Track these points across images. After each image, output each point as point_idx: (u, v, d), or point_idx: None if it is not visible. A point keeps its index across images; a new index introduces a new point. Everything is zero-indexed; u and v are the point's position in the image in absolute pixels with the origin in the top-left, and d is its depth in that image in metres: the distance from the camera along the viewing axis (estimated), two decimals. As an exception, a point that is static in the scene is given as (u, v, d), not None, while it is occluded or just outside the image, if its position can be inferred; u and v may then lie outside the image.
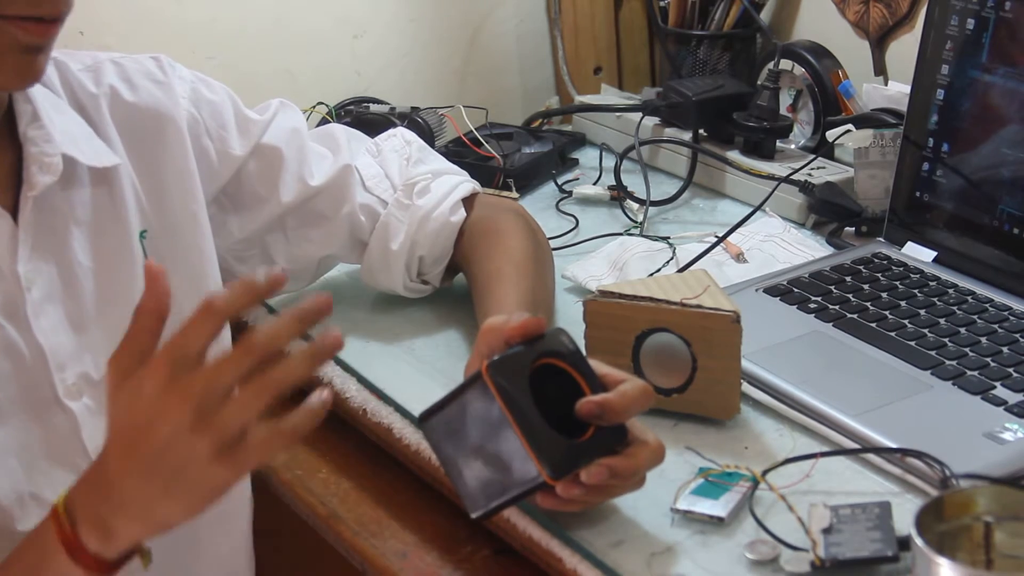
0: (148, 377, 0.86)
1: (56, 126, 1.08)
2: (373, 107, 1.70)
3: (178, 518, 0.88)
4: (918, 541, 0.82)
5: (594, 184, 1.66)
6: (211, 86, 1.25)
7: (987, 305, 1.26)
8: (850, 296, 1.29)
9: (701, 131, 1.66)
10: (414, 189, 1.33)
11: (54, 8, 0.99)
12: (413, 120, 1.64)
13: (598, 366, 1.01)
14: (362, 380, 1.25)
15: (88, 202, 1.10)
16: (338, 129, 1.38)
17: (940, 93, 1.36)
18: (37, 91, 1.09)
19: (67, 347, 1.06)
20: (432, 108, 1.69)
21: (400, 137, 1.40)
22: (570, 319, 1.26)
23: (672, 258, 1.43)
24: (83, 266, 1.09)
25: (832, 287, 1.31)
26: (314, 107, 1.67)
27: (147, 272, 0.90)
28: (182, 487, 0.86)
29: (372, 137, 1.40)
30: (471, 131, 1.66)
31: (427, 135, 1.62)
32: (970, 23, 1.32)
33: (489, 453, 0.94)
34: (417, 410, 1.00)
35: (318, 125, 1.61)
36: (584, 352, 1.10)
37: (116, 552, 0.90)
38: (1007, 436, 1.06)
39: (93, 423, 1.07)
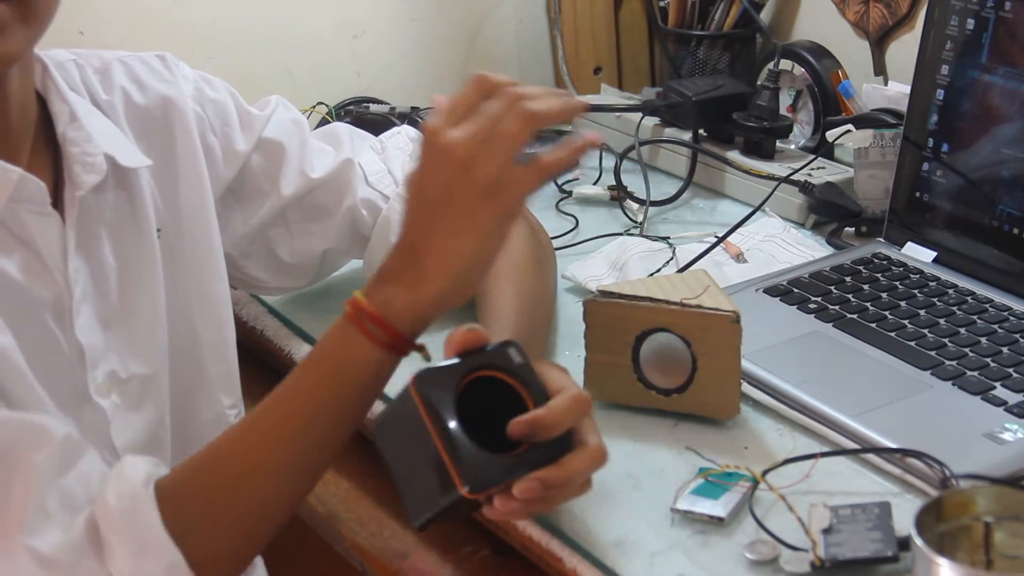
0: (426, 135, 0.98)
1: (93, 126, 1.09)
2: (373, 107, 1.70)
3: (470, 265, 0.97)
4: (918, 541, 0.82)
5: (594, 184, 1.66)
6: (213, 84, 1.26)
7: (987, 305, 1.26)
8: (850, 296, 1.29)
9: (701, 131, 1.66)
10: None
11: None
12: (413, 120, 1.64)
13: (547, 372, 0.98)
14: (362, 380, 1.25)
15: (112, 203, 1.12)
16: (341, 128, 1.39)
17: (940, 93, 1.36)
18: (69, 92, 1.10)
19: (98, 345, 1.08)
20: (432, 108, 1.69)
21: (404, 134, 1.41)
22: (570, 319, 1.26)
23: (672, 258, 1.43)
24: (110, 266, 1.10)
25: (832, 287, 1.31)
26: (314, 107, 1.67)
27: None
28: (466, 231, 0.96)
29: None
30: (471, 131, 1.66)
31: (427, 135, 1.62)
32: (970, 23, 1.32)
33: (421, 463, 0.92)
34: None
35: (318, 125, 1.62)
36: (585, 351, 1.10)
37: (411, 320, 0.97)
38: (1007, 436, 1.06)
39: (121, 419, 1.09)
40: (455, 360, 0.95)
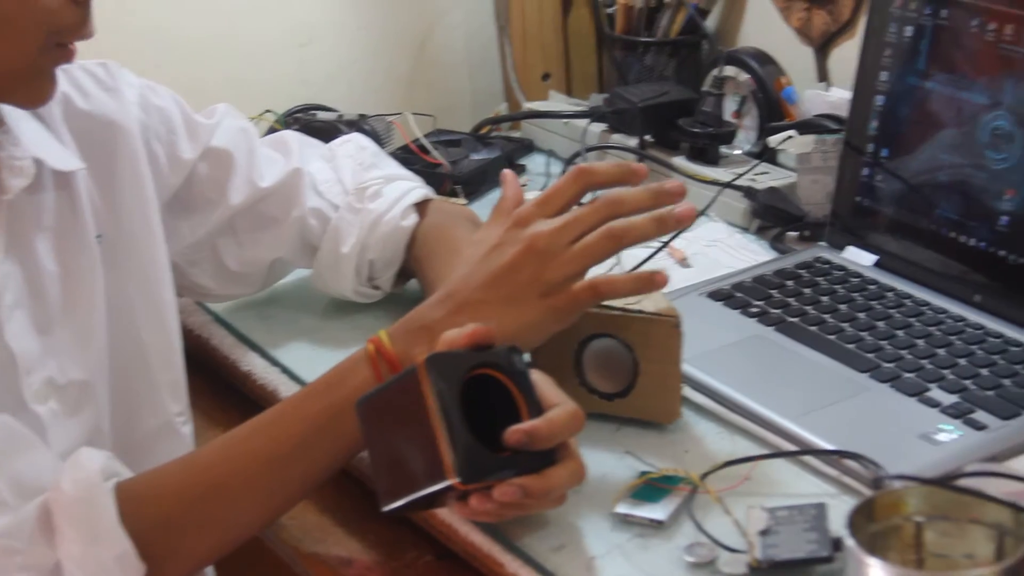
0: (516, 220, 1.05)
1: (22, 130, 1.09)
2: (320, 115, 1.70)
3: (511, 334, 1.01)
4: (849, 541, 0.83)
5: (541, 190, 1.66)
6: (157, 91, 1.26)
7: (924, 308, 1.27)
8: (791, 300, 1.31)
9: (647, 137, 1.67)
10: (365, 193, 1.34)
11: (90, 34, 1.04)
12: (360, 128, 1.64)
13: (540, 383, 1.01)
14: (307, 387, 1.25)
15: (52, 207, 1.11)
16: (291, 135, 1.39)
17: (879, 99, 1.37)
18: None
19: (33, 352, 1.07)
20: (380, 115, 1.70)
21: (355, 142, 1.41)
22: (515, 325, 1.27)
23: (617, 263, 1.43)
24: (48, 271, 1.10)
25: (774, 291, 1.33)
26: (261, 115, 1.67)
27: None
28: (513, 312, 1.03)
29: (320, 145, 1.41)
30: (419, 138, 1.67)
31: (375, 142, 1.62)
32: (908, 30, 1.34)
33: (410, 447, 0.94)
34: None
35: (266, 133, 1.62)
36: (528, 357, 1.11)
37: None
38: (941, 437, 1.08)
39: (58, 426, 1.08)
40: (464, 351, 0.97)
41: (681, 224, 1.05)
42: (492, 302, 1.03)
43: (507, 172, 1.13)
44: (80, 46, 1.58)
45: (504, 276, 1.03)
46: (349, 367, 1.05)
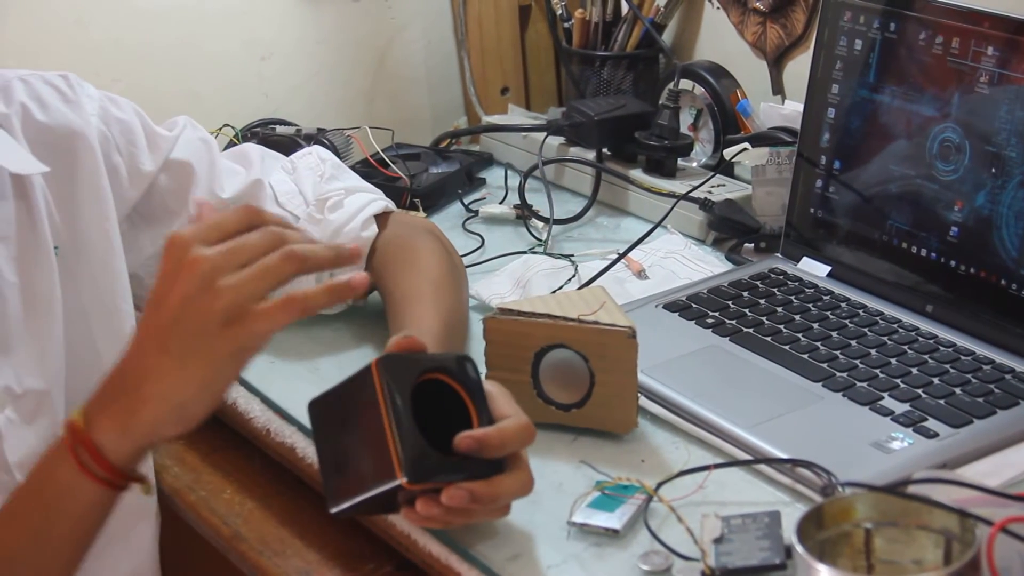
0: (168, 256, 0.90)
1: None
2: (279, 128, 1.71)
3: (195, 394, 0.89)
4: (798, 548, 0.85)
5: (500, 203, 1.68)
6: (118, 104, 1.26)
7: (877, 318, 1.29)
8: (746, 311, 1.32)
9: (605, 150, 1.68)
10: (326, 204, 1.35)
11: None
12: (319, 142, 1.64)
13: (494, 394, 1.01)
14: (266, 400, 1.26)
15: (11, 217, 1.11)
16: (252, 148, 1.40)
17: (831, 112, 1.39)
18: None
19: None
20: (339, 129, 1.70)
21: (315, 155, 1.42)
22: (473, 336, 1.28)
23: (574, 275, 1.45)
24: (7, 281, 1.10)
25: (729, 302, 1.34)
26: (220, 129, 1.68)
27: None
28: (197, 357, 0.88)
29: (279, 159, 1.42)
30: (378, 152, 1.68)
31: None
32: (858, 43, 1.36)
33: (359, 447, 0.94)
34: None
35: (225, 148, 1.62)
36: (486, 368, 1.12)
37: (129, 450, 0.91)
38: (894, 445, 1.09)
39: (15, 435, 1.08)
40: (418, 355, 0.98)
41: (353, 261, 0.94)
42: (171, 354, 0.89)
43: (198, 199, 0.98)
44: (40, 59, 1.60)
45: (174, 319, 0.88)
46: (51, 459, 0.95)
